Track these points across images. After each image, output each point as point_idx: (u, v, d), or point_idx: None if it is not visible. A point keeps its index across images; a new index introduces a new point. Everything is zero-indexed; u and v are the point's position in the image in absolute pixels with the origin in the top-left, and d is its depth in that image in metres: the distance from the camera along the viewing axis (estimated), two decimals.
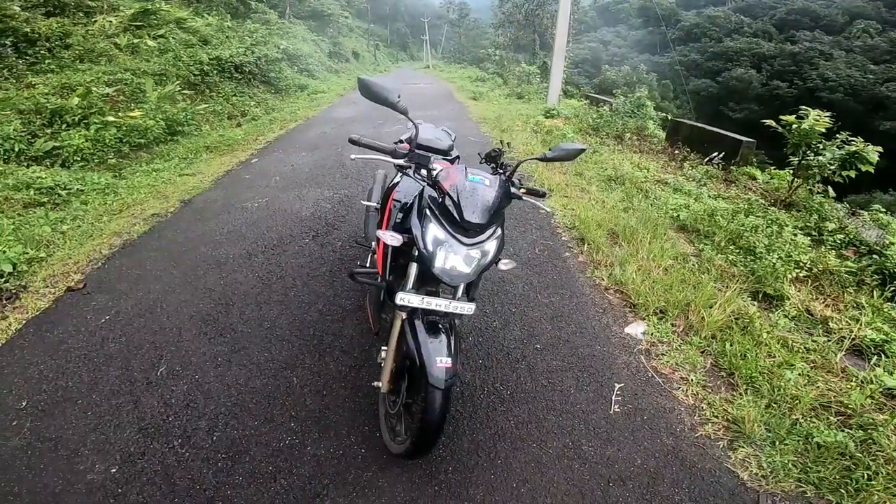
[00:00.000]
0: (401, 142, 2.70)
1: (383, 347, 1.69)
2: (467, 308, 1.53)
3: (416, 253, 1.50)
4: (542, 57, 21.54)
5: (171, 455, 1.82)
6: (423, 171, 1.65)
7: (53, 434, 1.92)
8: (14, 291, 2.98)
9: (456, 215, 1.42)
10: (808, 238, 3.57)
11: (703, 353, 2.47)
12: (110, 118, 5.89)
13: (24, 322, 2.64)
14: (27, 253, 3.30)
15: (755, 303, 2.87)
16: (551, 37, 18.20)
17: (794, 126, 4.39)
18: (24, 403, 2.06)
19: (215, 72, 9.12)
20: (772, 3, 50.58)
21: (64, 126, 5.55)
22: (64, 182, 4.60)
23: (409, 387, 1.66)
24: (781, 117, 4.50)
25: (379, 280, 1.85)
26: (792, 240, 3.41)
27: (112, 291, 2.91)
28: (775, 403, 2.09)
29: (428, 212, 1.48)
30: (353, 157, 1.73)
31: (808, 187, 4.47)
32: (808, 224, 3.91)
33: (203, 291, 2.88)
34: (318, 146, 6.60)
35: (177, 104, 7.19)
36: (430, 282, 1.62)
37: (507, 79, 16.98)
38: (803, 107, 4.44)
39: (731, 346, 2.43)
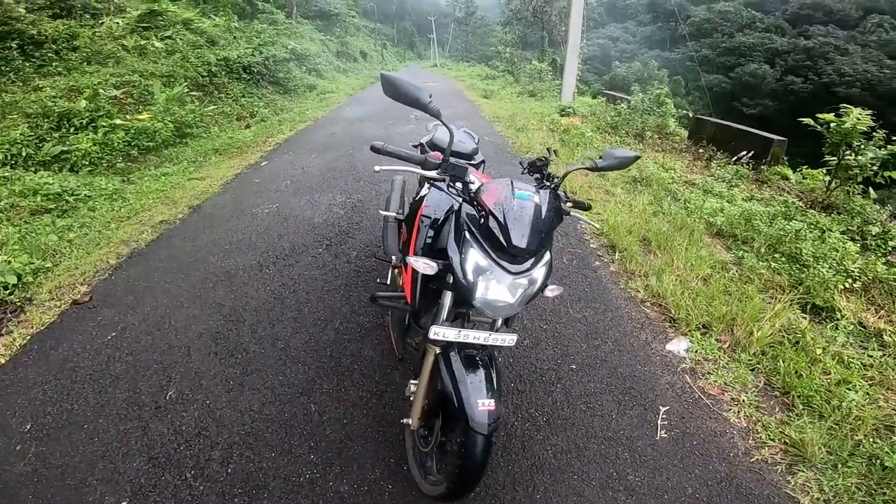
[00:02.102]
0: (420, 145, 2.51)
1: (412, 381, 1.51)
2: (509, 340, 1.36)
3: (452, 280, 1.30)
4: (550, 54, 21.20)
5: (185, 489, 1.69)
6: (459, 184, 1.42)
7: (60, 461, 1.79)
8: (19, 304, 2.86)
9: (502, 239, 1.21)
10: (855, 244, 3.33)
11: (753, 371, 2.29)
12: (118, 121, 5.77)
13: (28, 337, 2.52)
14: (33, 263, 3.18)
15: (805, 315, 2.66)
16: (559, 34, 17.96)
17: (834, 125, 4.14)
18: (28, 426, 1.95)
19: (223, 73, 9.02)
20: None
21: (72, 130, 5.45)
22: (72, 188, 4.49)
23: (445, 425, 1.47)
24: (819, 115, 4.26)
25: (406, 305, 1.66)
26: (841, 246, 3.18)
27: (119, 305, 2.78)
28: (837, 425, 1.92)
29: (468, 234, 1.28)
30: (377, 169, 1.48)
31: (847, 188, 4.22)
32: (850, 228, 3.68)
33: (213, 306, 2.73)
34: (329, 147, 6.45)
35: (185, 106, 7.06)
36: (462, 305, 1.44)
37: (518, 76, 16.72)
38: (844, 105, 4.19)
39: (783, 363, 2.25)
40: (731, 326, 2.53)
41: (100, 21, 8.24)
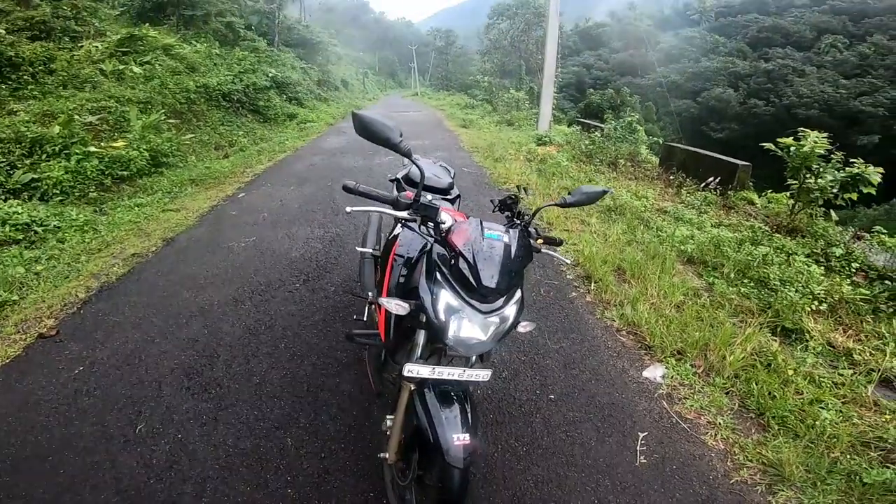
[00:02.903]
0: (397, 181, 2.53)
1: (388, 416, 1.50)
2: (483, 375, 1.36)
3: (425, 319, 1.30)
4: (527, 82, 21.92)
5: None
6: (431, 224, 1.44)
7: (23, 492, 1.73)
8: None
9: (472, 280, 1.22)
10: (820, 266, 3.48)
11: (727, 394, 2.34)
12: (92, 148, 5.65)
13: None
14: None
15: (775, 338, 2.75)
16: (536, 62, 18.60)
17: (794, 149, 4.36)
18: None
19: (202, 100, 9.00)
20: (744, 21, 52.54)
21: (44, 156, 5.30)
22: (41, 218, 4.36)
23: (422, 459, 1.45)
24: (779, 140, 4.49)
25: (381, 343, 1.66)
26: (806, 269, 3.32)
27: (87, 339, 2.68)
28: (812, 443, 1.98)
29: (438, 275, 1.29)
30: (348, 210, 1.46)
31: (810, 212, 4.43)
32: (814, 250, 3.84)
33: (185, 341, 2.65)
34: (308, 179, 6.46)
35: (162, 134, 6.96)
36: (437, 342, 1.44)
37: (496, 105, 17.18)
38: (802, 129, 4.43)
39: (756, 385, 2.31)
40: (705, 352, 2.59)
41: (79, 44, 8.15)
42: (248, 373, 2.40)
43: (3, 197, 4.66)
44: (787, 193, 4.88)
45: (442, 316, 1.26)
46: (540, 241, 1.55)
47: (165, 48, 9.55)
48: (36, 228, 4.24)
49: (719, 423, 2.13)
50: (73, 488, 1.74)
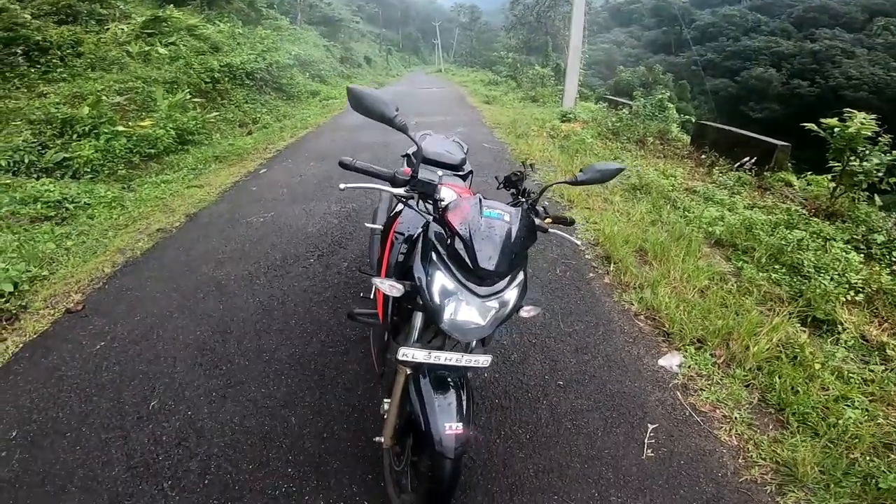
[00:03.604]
0: (407, 156, 2.47)
1: (385, 400, 1.47)
2: (482, 361, 1.30)
3: (422, 301, 1.26)
4: (554, 59, 21.16)
5: (161, 498, 1.68)
6: (430, 201, 1.38)
7: (41, 468, 1.80)
8: (14, 312, 2.86)
9: (468, 261, 1.16)
10: (859, 254, 3.25)
11: (747, 387, 2.22)
12: (120, 128, 5.81)
13: (21, 346, 2.52)
14: (30, 271, 3.20)
15: (804, 329, 2.59)
16: (563, 39, 17.91)
17: (838, 129, 4.05)
18: (14, 434, 1.95)
19: (226, 79, 9.07)
20: (789, 1, 49.32)
21: (74, 136, 5.48)
22: (72, 195, 4.52)
23: (415, 445, 1.44)
24: (823, 120, 4.17)
25: (381, 323, 1.63)
26: (843, 256, 3.10)
27: (110, 314, 2.77)
28: (832, 443, 1.86)
29: (434, 256, 1.22)
30: (342, 186, 1.41)
31: (852, 195, 4.13)
32: (854, 236, 3.59)
33: (201, 317, 2.71)
34: (328, 155, 6.45)
35: (187, 112, 7.09)
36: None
37: (520, 82, 16.69)
38: (848, 109, 4.10)
39: (780, 379, 2.18)
40: (727, 341, 2.47)
41: (105, 27, 8.31)
42: (258, 349, 2.43)
43: (35, 176, 4.85)
44: (829, 176, 4.56)
45: (437, 299, 1.21)
46: (548, 220, 1.47)
47: (189, 29, 9.63)
48: (67, 205, 4.40)
49: (735, 418, 2.03)
50: (87, 464, 1.80)
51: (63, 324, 2.71)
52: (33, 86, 6.35)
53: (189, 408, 2.06)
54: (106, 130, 5.65)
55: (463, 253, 1.17)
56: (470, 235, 1.17)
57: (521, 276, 1.28)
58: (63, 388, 2.20)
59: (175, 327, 2.63)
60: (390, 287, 1.28)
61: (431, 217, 1.35)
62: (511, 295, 1.25)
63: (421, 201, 1.42)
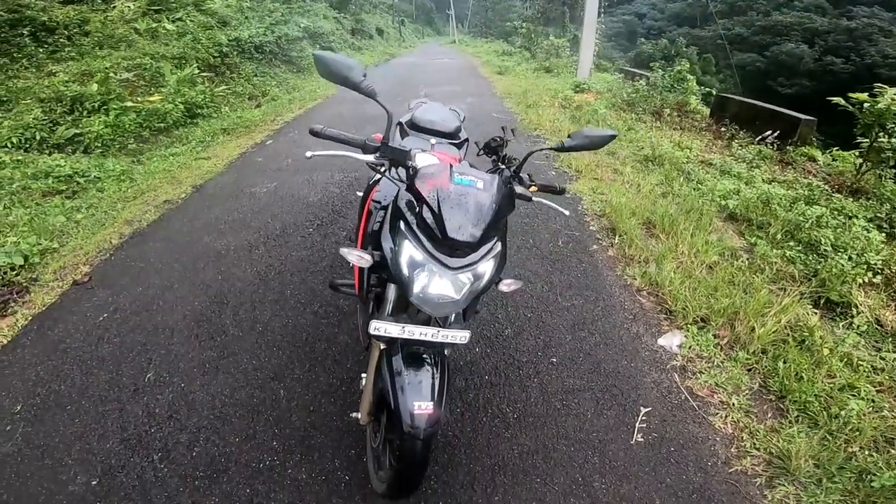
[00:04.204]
0: (400, 125, 2.39)
1: (363, 374, 1.45)
2: (460, 337, 1.25)
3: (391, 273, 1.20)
4: (572, 30, 20.32)
5: (150, 470, 1.71)
6: (402, 170, 1.32)
7: (42, 441, 1.84)
8: (25, 285, 2.92)
9: (437, 231, 1.10)
10: (881, 233, 3.07)
11: (749, 371, 2.14)
12: (129, 103, 5.84)
13: (30, 318, 2.58)
14: (40, 244, 3.25)
15: (816, 311, 2.47)
16: (582, 9, 17.13)
17: (867, 105, 3.80)
18: (18, 407, 2.00)
19: (235, 53, 8.97)
20: None
21: (84, 113, 5.53)
22: (82, 169, 4.57)
23: (389, 422, 1.41)
24: (851, 95, 3.92)
25: (357, 295, 1.59)
26: (864, 235, 2.93)
27: (114, 286, 2.81)
28: (830, 435, 1.78)
29: (402, 225, 1.16)
30: (308, 155, 1.36)
31: (879, 172, 3.89)
32: (878, 215, 3.39)
33: (200, 287, 2.74)
34: (333, 125, 6.32)
35: (196, 87, 7.07)
36: None
37: (534, 53, 16.12)
38: (879, 84, 3.84)
39: (784, 363, 2.09)
40: (732, 321, 2.38)
41: (111, 5, 8.26)
42: (252, 320, 2.45)
43: (48, 152, 4.91)
44: (856, 152, 4.31)
45: (405, 270, 1.15)
46: (533, 188, 1.39)
47: (196, 4, 9.51)
48: (78, 179, 4.45)
49: (732, 404, 1.96)
50: (84, 437, 1.84)
51: (70, 296, 2.75)
52: (42, 65, 6.39)
53: (182, 380, 2.09)
54: (115, 106, 5.68)
55: (431, 222, 1.11)
56: (438, 204, 1.10)
57: (497, 248, 1.21)
58: (66, 360, 2.24)
59: (174, 298, 2.66)
60: (358, 257, 1.23)
61: (403, 185, 1.28)
62: (486, 267, 1.18)
63: (393, 168, 1.36)
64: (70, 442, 1.83)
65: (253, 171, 4.69)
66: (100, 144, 5.22)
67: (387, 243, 1.19)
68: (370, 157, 1.33)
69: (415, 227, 1.15)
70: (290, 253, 3.08)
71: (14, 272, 2.97)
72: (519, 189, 1.34)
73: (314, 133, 1.34)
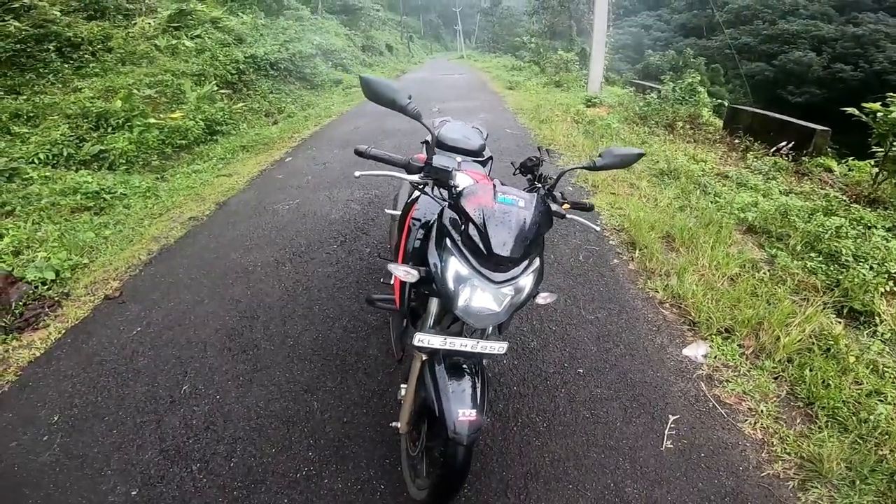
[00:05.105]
0: (426, 143, 2.47)
1: (402, 385, 1.50)
2: (498, 348, 1.31)
3: (436, 287, 1.27)
4: (579, 44, 20.54)
5: (189, 480, 1.76)
6: (444, 188, 1.39)
7: (81, 451, 1.90)
8: (56, 299, 3.01)
9: (482, 247, 1.16)
10: None
11: (776, 379, 2.16)
12: (152, 120, 5.98)
13: (63, 332, 2.66)
14: (71, 259, 3.36)
15: (840, 320, 2.48)
16: (588, 23, 17.33)
17: (881, 115, 3.83)
18: (56, 418, 2.06)
19: (251, 70, 9.19)
20: None
21: (109, 129, 5.67)
22: (109, 186, 4.69)
23: (430, 430, 1.47)
24: (864, 105, 3.95)
25: (397, 309, 1.65)
26: (884, 245, 2.94)
27: (145, 301, 2.90)
28: (861, 439, 1.80)
29: (448, 242, 1.23)
30: (357, 174, 1.41)
31: (895, 181, 3.90)
32: None
33: (230, 303, 2.81)
34: (351, 142, 6.48)
35: (215, 104, 7.26)
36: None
37: (544, 67, 16.30)
38: (891, 94, 3.87)
39: (811, 371, 2.10)
40: (757, 331, 2.39)
41: (132, 22, 8.50)
42: (283, 335, 2.51)
43: (74, 168, 5.07)
44: (871, 162, 4.32)
45: (451, 285, 1.22)
46: (566, 205, 1.45)
47: (214, 21, 9.77)
48: (104, 196, 4.58)
49: (761, 411, 1.98)
50: (123, 447, 1.89)
51: (102, 310, 2.84)
52: (68, 81, 6.56)
53: (218, 392, 2.15)
54: (139, 123, 5.82)
55: (477, 239, 1.17)
56: (484, 221, 1.17)
57: (536, 263, 1.27)
58: (102, 372, 2.31)
59: (205, 313, 2.73)
60: (405, 273, 1.29)
61: (446, 203, 1.35)
62: (526, 281, 1.25)
63: (436, 187, 1.42)
64: (109, 452, 1.88)
65: (274, 188, 4.79)
66: (124, 161, 5.35)
67: (433, 259, 1.25)
68: (415, 177, 1.39)
69: (460, 244, 1.21)
70: (317, 269, 3.15)
71: (45, 287, 3.06)
72: (553, 206, 1.40)
73: (359, 153, 1.41)
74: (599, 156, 1.45)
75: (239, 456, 1.83)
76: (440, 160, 1.44)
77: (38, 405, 2.13)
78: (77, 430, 1.99)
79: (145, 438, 1.93)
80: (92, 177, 4.84)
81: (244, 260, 3.31)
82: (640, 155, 1.48)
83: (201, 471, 1.78)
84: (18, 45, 6.43)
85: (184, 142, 6.15)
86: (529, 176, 1.53)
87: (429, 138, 2.43)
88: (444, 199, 1.38)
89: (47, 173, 4.77)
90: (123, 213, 4.28)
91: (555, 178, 1.45)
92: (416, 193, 1.85)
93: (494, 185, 1.26)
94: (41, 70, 6.49)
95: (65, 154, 5.14)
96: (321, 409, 2.02)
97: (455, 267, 1.21)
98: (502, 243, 1.15)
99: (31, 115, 5.61)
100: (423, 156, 1.44)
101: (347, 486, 1.69)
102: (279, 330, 2.55)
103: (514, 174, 1.61)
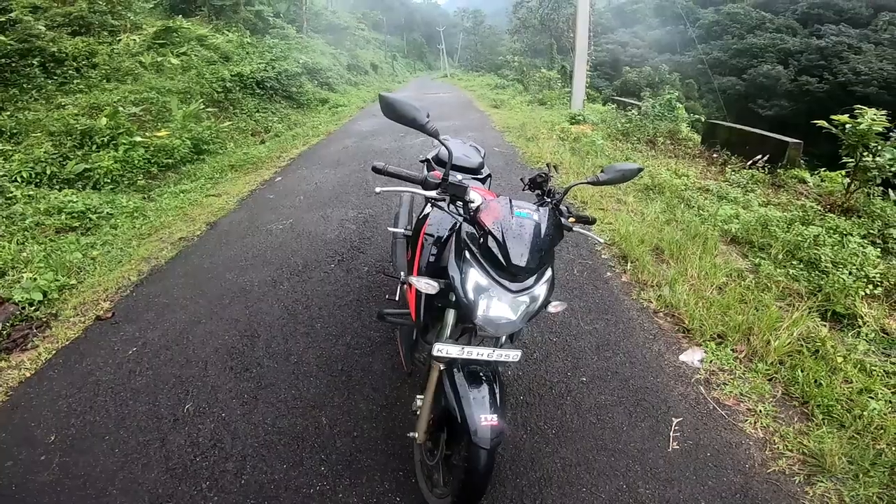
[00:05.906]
0: (427, 161, 2.54)
1: (418, 396, 1.53)
2: (513, 355, 1.36)
3: (454, 298, 1.32)
4: (559, 61, 21.22)
5: (200, 499, 1.73)
6: (460, 203, 1.45)
7: (82, 471, 1.85)
8: (44, 320, 2.95)
9: (501, 259, 1.22)
10: (876, 248, 3.26)
11: (770, 380, 2.25)
12: (138, 138, 5.88)
13: (53, 352, 2.60)
14: (58, 280, 3.29)
15: (825, 323, 2.60)
16: (568, 41, 17.98)
17: (850, 126, 4.06)
18: (52, 437, 2.01)
19: (237, 88, 9.19)
20: None
21: (94, 147, 5.56)
22: (95, 206, 4.62)
23: (450, 439, 1.49)
24: (834, 117, 4.19)
25: (412, 322, 1.69)
26: (861, 251, 3.11)
27: (139, 321, 2.85)
28: (858, 434, 1.89)
29: (468, 254, 1.29)
30: (377, 190, 1.48)
31: (867, 191, 4.13)
32: (871, 231, 3.59)
33: (228, 322, 2.79)
34: (341, 162, 6.54)
35: (202, 122, 7.19)
36: (468, 322, 1.45)
37: (527, 85, 16.76)
38: (859, 106, 4.12)
39: (802, 372, 2.20)
40: (748, 336, 2.49)
41: (117, 38, 8.42)
42: (286, 352, 2.50)
43: (58, 187, 4.95)
44: (843, 172, 4.56)
45: (471, 295, 1.27)
46: (572, 219, 1.53)
47: (199, 39, 9.78)
48: (90, 216, 4.49)
49: (759, 411, 2.06)
50: (127, 466, 1.86)
51: (94, 330, 2.78)
52: (51, 97, 6.42)
53: (222, 410, 2.12)
54: (124, 141, 5.73)
55: (496, 251, 1.23)
56: (502, 234, 1.23)
57: (549, 273, 1.34)
58: (99, 392, 2.26)
59: (204, 332, 2.70)
60: (426, 285, 1.34)
61: (462, 218, 1.40)
62: (541, 290, 1.31)
63: (451, 205, 1.48)
64: (112, 472, 1.84)
65: (265, 208, 4.77)
66: (109, 180, 5.25)
67: (453, 271, 1.30)
68: (432, 193, 1.45)
69: (479, 256, 1.27)
70: (315, 288, 3.14)
71: (33, 308, 3.00)
72: (561, 220, 1.47)
73: (377, 170, 1.47)
74: (602, 171, 1.55)
75: (249, 473, 1.81)
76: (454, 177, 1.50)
77: (33, 425, 2.08)
78: (76, 449, 1.95)
79: (150, 457, 1.90)
80: (77, 196, 4.75)
81: (240, 280, 3.28)
82: (640, 170, 1.57)
83: (211, 489, 1.76)
84: (2, 60, 6.31)
85: (170, 161, 6.07)
86: (538, 191, 1.60)
87: (430, 156, 2.53)
88: (460, 215, 1.44)
89: (31, 192, 4.65)
90: (111, 234, 4.21)
91: (562, 192, 1.52)
92: (427, 210, 1.91)
93: (511, 200, 1.33)
94: (24, 86, 6.36)
95: (48, 172, 5.01)
96: (330, 425, 2.01)
97: (475, 278, 1.26)
98: (519, 254, 1.22)
99: (14, 131, 5.50)
100: (439, 173, 1.50)
101: (363, 500, 1.69)
102: (282, 348, 2.53)
103: (522, 189, 1.69)
